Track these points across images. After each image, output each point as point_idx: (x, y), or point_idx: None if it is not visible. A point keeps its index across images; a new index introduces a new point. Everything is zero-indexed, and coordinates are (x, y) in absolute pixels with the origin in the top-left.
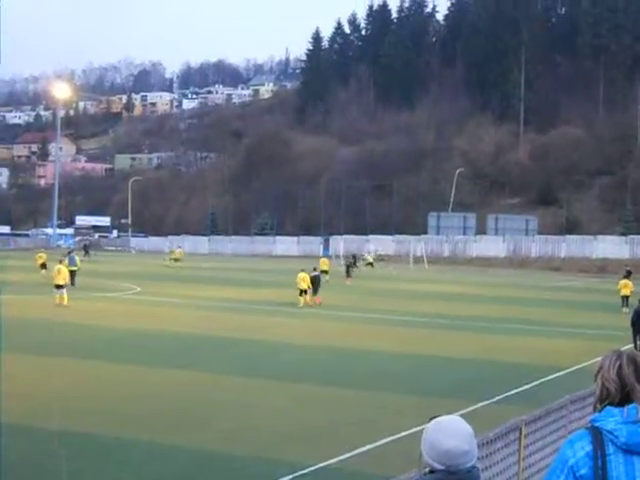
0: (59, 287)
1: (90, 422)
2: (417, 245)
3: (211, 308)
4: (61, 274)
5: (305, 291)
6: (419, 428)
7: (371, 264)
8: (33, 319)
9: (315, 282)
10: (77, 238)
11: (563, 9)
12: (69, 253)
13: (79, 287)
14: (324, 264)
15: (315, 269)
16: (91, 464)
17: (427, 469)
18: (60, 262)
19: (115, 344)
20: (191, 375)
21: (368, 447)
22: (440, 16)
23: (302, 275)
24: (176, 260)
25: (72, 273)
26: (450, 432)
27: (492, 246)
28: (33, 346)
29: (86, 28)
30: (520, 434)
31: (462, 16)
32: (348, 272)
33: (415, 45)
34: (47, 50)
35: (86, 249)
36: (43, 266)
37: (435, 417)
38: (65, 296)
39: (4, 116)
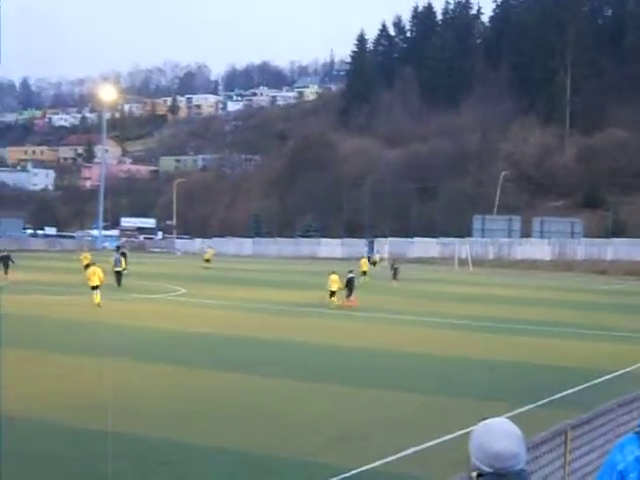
0: (95, 288)
1: (135, 423)
2: (462, 248)
3: (255, 310)
4: (96, 275)
5: (335, 292)
6: (464, 431)
7: (374, 263)
8: (78, 320)
9: (350, 284)
10: (122, 240)
11: (609, 10)
12: (118, 251)
13: (125, 288)
14: (364, 265)
15: (351, 271)
16: (135, 465)
17: (475, 472)
18: (93, 264)
19: (160, 345)
20: (235, 377)
21: (413, 450)
22: (485, 17)
23: (333, 277)
24: (207, 261)
25: (117, 274)
26: (499, 434)
27: (537, 249)
28: (79, 347)
29: (132, 31)
30: (566, 438)
31: (507, 17)
32: (395, 274)
33: (460, 47)
34: (93, 53)
35: (119, 249)
36: (88, 267)
37: (483, 419)
38: (98, 296)
39: (50, 118)
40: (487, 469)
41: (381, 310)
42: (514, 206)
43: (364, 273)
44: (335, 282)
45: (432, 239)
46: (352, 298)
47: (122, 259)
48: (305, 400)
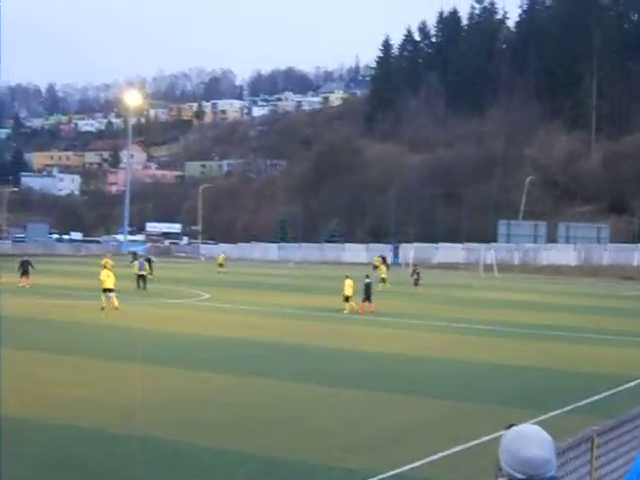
0: (109, 290)
1: (162, 428)
2: (487, 253)
3: (277, 314)
4: (110, 278)
5: (349, 297)
6: (491, 436)
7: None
8: (103, 325)
9: (367, 290)
10: (148, 244)
11: (636, 15)
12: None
13: (150, 293)
14: (383, 271)
15: (367, 276)
16: (162, 469)
17: (506, 478)
18: (105, 267)
19: (184, 350)
20: (264, 382)
21: (440, 455)
22: (511, 22)
23: (348, 282)
24: (220, 265)
25: (142, 278)
26: (531, 440)
27: (563, 254)
28: (105, 352)
29: (157, 36)
30: (592, 445)
31: (533, 22)
32: (417, 280)
33: (485, 52)
34: (119, 58)
35: (134, 255)
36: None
37: (512, 425)
38: (106, 299)
39: (76, 124)
40: (519, 476)
41: (404, 316)
42: (540, 211)
43: (383, 280)
44: (350, 287)
45: (457, 244)
46: (370, 304)
47: (146, 264)
48: (331, 405)
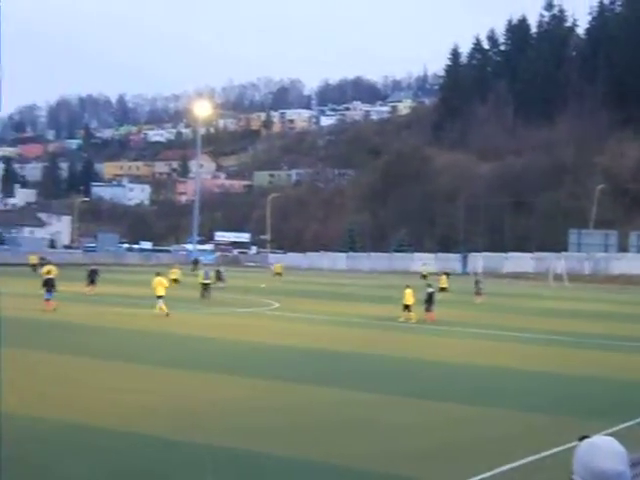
0: (160, 297)
1: (234, 437)
2: (557, 263)
3: (344, 324)
4: (162, 285)
5: (409, 306)
6: (561, 448)
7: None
8: (178, 334)
9: (429, 299)
10: (217, 254)
11: None
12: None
13: (213, 302)
14: (443, 281)
15: (430, 285)
16: (227, 477)
17: None
18: (157, 275)
19: (254, 358)
20: (330, 392)
21: (508, 466)
22: (580, 30)
23: (408, 291)
24: (278, 274)
25: (206, 286)
26: (605, 453)
27: (635, 264)
28: (176, 361)
29: (226, 47)
30: None
31: (603, 29)
32: (478, 290)
33: (555, 60)
34: (188, 69)
35: (195, 264)
36: (175, 281)
37: (585, 437)
38: (162, 306)
39: (146, 134)
40: None
41: (468, 325)
42: (611, 220)
43: (442, 289)
44: (410, 296)
45: (527, 254)
46: (431, 313)
47: (211, 273)
48: (397, 413)
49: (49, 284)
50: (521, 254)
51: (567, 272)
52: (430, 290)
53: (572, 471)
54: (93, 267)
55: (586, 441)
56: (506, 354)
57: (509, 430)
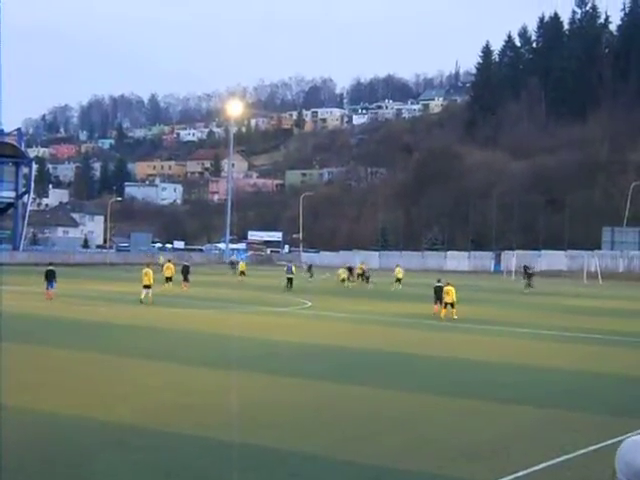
0: (146, 287)
1: (264, 434)
2: (591, 261)
3: (377, 323)
4: (147, 276)
5: (451, 304)
6: (598, 446)
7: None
8: (203, 332)
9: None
10: (249, 253)
11: None
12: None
13: (251, 301)
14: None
15: (439, 280)
16: (263, 476)
17: None
18: (147, 265)
19: (287, 357)
20: (361, 390)
21: (543, 465)
22: (613, 26)
23: (450, 289)
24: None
25: (289, 280)
26: None
27: None
28: (211, 359)
29: (258, 46)
30: None
31: (636, 26)
32: (529, 284)
33: (587, 57)
34: (220, 68)
35: (232, 265)
36: (169, 279)
37: (631, 436)
38: (145, 294)
39: (178, 134)
40: None
41: (501, 323)
42: None
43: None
44: (452, 293)
45: (560, 252)
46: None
47: (293, 267)
48: (432, 413)
49: (50, 276)
50: (554, 252)
51: (601, 270)
52: (438, 284)
53: (615, 469)
54: (185, 263)
55: (630, 439)
56: (542, 352)
57: (541, 428)
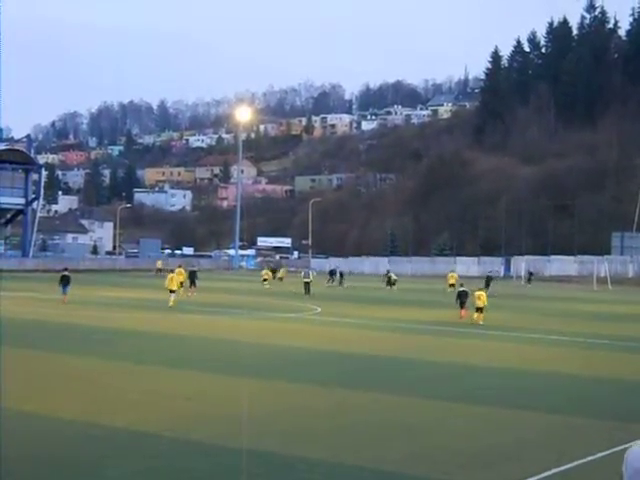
0: (172, 292)
1: (271, 440)
2: (600, 266)
3: (387, 329)
4: (174, 280)
5: (481, 309)
6: (607, 453)
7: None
8: (213, 338)
9: (461, 297)
10: (259, 259)
11: None
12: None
13: (262, 308)
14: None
15: (462, 284)
16: None
17: None
18: (171, 271)
19: (295, 363)
20: (371, 396)
21: (554, 471)
22: (622, 31)
23: (481, 293)
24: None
25: (307, 284)
26: None
27: None
28: (223, 366)
29: (267, 52)
30: None
31: None
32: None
33: (597, 62)
34: (229, 74)
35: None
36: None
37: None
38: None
39: (187, 140)
40: None
41: (512, 329)
42: None
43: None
44: (481, 298)
45: (570, 257)
46: (463, 312)
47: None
48: (442, 419)
49: (64, 281)
50: (564, 257)
51: (611, 275)
52: (462, 289)
53: (622, 474)
54: (193, 268)
55: (637, 446)
56: (548, 357)
57: (551, 435)
